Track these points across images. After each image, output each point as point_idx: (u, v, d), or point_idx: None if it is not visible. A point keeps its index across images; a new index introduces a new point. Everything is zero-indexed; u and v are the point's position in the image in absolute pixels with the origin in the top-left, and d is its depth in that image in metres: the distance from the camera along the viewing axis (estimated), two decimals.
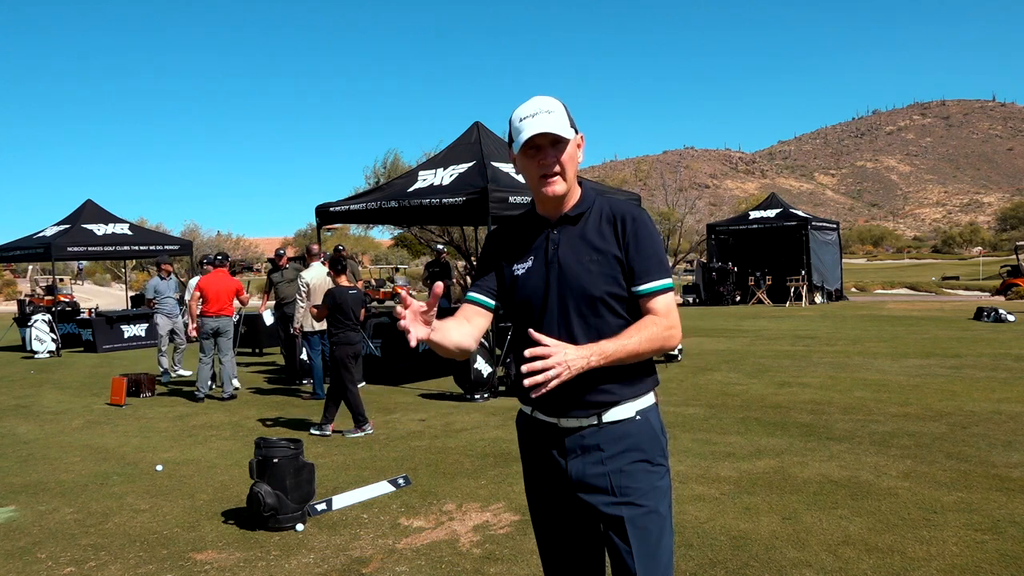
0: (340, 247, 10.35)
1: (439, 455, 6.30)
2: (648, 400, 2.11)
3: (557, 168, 2.05)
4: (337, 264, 7.50)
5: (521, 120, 2.04)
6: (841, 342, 13.25)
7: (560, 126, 2.02)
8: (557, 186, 2.06)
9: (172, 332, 11.62)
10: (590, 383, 1.98)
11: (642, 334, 1.99)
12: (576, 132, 2.10)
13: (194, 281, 10.59)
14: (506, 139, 2.15)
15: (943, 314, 18.83)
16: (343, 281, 7.41)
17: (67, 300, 19.33)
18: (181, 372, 11.93)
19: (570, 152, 2.07)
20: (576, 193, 2.14)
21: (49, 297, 19.80)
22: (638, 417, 2.08)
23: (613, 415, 2.06)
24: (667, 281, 2.08)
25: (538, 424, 2.13)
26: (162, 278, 11.68)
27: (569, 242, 2.10)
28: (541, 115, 2.02)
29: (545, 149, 2.04)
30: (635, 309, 2.08)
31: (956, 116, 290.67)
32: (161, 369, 11.43)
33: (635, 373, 2.07)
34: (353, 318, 7.27)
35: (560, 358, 1.84)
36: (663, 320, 2.04)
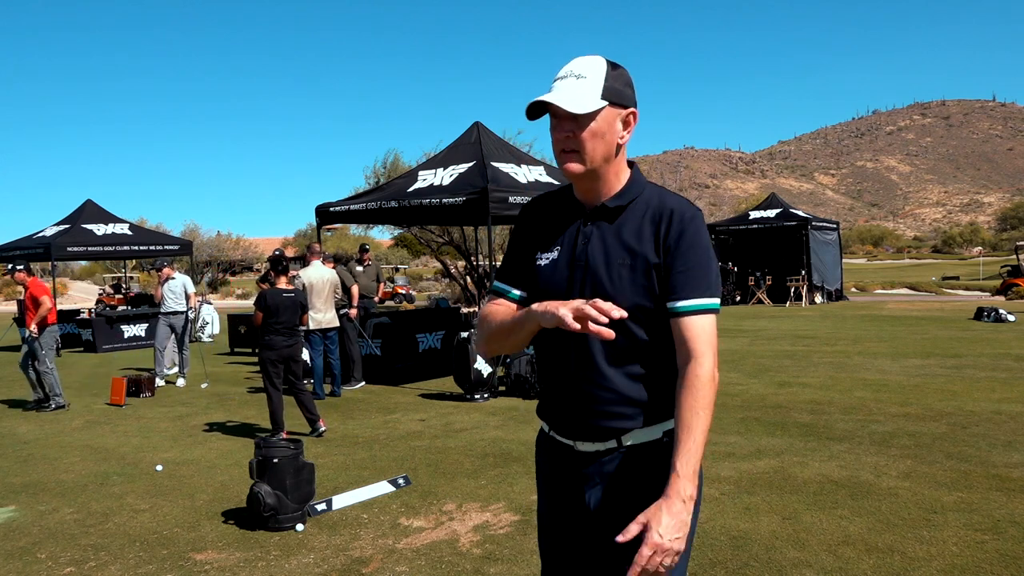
0: (366, 246, 10.41)
1: (439, 455, 6.30)
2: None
3: (573, 144, 1.76)
4: (278, 265, 7.26)
5: (553, 82, 1.77)
6: (841, 342, 13.25)
7: (572, 98, 1.72)
8: (572, 164, 1.77)
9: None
10: (609, 402, 1.75)
11: (697, 409, 1.65)
12: (614, 104, 1.75)
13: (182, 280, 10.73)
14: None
15: (943, 314, 18.82)
16: (282, 283, 7.20)
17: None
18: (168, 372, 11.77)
19: (596, 128, 1.74)
20: (620, 180, 1.84)
21: (119, 295, 19.84)
22: (666, 439, 1.78)
23: (636, 437, 1.79)
24: (712, 301, 1.73)
25: (556, 445, 1.91)
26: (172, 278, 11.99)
27: (601, 240, 1.81)
28: (568, 80, 1.74)
29: (563, 120, 1.75)
30: (664, 325, 1.76)
31: (956, 116, 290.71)
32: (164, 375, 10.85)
33: (659, 389, 1.79)
34: (285, 322, 7.01)
35: (653, 550, 1.56)
36: (704, 362, 1.68)
